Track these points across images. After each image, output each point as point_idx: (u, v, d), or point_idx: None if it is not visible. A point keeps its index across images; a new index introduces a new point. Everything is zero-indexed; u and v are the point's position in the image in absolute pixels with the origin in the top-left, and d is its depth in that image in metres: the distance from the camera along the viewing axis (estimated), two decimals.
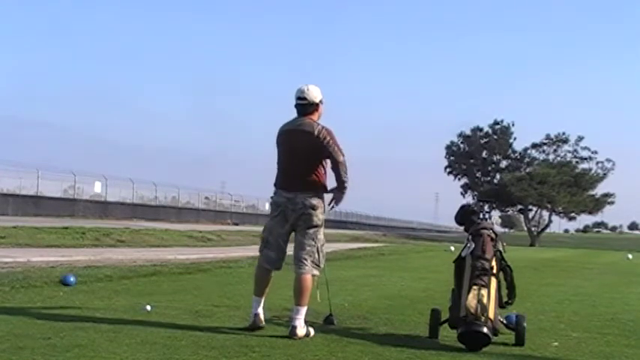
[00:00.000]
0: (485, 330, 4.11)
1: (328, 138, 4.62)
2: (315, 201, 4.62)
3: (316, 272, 4.68)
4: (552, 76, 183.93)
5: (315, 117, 4.72)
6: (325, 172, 4.77)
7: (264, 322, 4.62)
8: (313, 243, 4.65)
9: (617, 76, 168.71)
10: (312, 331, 4.48)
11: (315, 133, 4.59)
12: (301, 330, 4.39)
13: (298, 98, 4.69)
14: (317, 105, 4.71)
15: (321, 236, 4.71)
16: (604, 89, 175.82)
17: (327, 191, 4.78)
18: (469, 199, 57.33)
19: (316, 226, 4.66)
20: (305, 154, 4.63)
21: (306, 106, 4.68)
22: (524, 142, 60.86)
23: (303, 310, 4.49)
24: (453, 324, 4.32)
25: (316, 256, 4.66)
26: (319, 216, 4.65)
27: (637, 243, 58.01)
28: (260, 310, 4.64)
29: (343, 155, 4.75)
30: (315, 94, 4.69)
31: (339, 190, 4.79)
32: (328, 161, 4.74)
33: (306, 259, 4.64)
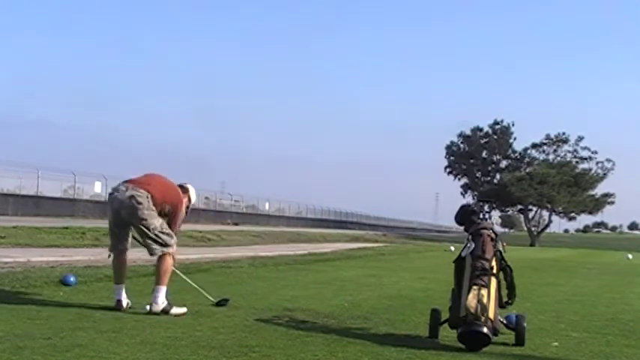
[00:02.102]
0: (485, 330, 4.11)
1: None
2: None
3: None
4: (553, 76, 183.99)
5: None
6: None
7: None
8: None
9: (617, 76, 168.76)
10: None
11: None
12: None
13: None
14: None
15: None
16: (604, 89, 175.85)
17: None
18: (469, 199, 57.40)
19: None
20: None
21: None
22: (524, 142, 61.01)
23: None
24: (453, 324, 4.31)
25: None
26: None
27: (637, 243, 58.05)
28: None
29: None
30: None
31: None
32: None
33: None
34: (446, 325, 4.42)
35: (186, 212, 5.71)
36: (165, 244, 5.29)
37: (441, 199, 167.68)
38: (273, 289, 6.96)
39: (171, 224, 5.42)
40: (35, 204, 29.28)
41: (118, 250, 5.62)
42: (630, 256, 24.72)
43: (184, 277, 6.03)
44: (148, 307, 5.10)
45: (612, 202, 56.82)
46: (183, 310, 5.12)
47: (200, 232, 22.69)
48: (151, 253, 5.35)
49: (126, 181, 5.46)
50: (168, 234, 5.31)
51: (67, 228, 17.27)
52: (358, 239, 31.92)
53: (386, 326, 5.00)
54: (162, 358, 3.55)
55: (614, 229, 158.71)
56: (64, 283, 6.60)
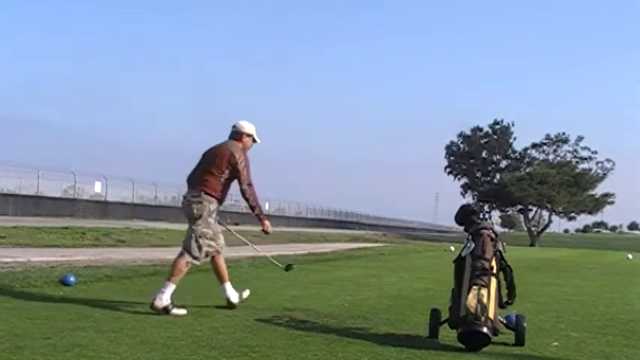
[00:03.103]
0: (485, 330, 4.11)
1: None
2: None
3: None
4: (552, 76, 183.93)
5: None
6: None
7: None
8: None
9: (617, 76, 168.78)
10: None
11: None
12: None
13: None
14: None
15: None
16: (604, 89, 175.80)
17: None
18: (469, 199, 57.37)
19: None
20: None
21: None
22: (524, 142, 60.95)
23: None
24: (453, 324, 4.31)
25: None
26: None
27: (637, 243, 58.07)
28: None
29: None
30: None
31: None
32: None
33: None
34: (446, 325, 4.42)
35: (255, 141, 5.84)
36: (189, 252, 5.37)
37: (441, 199, 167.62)
38: (273, 289, 6.97)
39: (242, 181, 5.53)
40: (35, 204, 29.29)
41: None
42: (630, 256, 24.72)
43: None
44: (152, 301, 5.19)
45: (612, 202, 56.83)
46: (183, 311, 5.13)
47: None
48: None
49: (188, 185, 5.61)
50: (200, 246, 5.37)
51: (67, 228, 17.28)
52: (358, 239, 31.93)
53: (386, 326, 5.00)
54: (162, 358, 3.55)
55: (614, 229, 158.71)
56: (64, 283, 6.60)
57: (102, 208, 33.79)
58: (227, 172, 5.48)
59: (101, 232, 17.04)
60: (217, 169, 5.47)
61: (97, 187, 35.43)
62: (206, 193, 5.40)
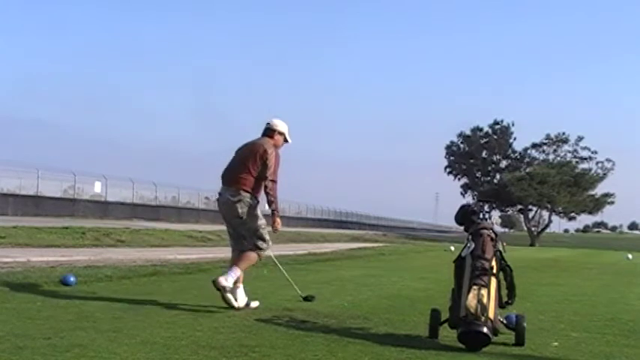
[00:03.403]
0: (485, 330, 4.11)
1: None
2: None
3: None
4: (552, 76, 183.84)
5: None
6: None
7: None
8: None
9: (617, 76, 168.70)
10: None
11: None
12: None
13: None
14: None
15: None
16: (604, 89, 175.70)
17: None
18: (469, 199, 57.39)
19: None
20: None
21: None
22: (524, 142, 61.03)
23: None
24: (453, 324, 4.31)
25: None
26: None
27: (637, 243, 58.03)
28: None
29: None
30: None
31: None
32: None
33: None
34: (446, 325, 4.43)
35: (287, 141, 5.94)
36: (257, 247, 5.64)
37: (441, 199, 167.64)
38: (273, 289, 6.96)
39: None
40: (35, 204, 29.27)
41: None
42: (630, 256, 24.72)
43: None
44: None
45: (612, 202, 56.87)
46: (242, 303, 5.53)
47: (200, 232, 22.71)
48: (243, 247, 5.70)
49: (224, 183, 5.73)
50: (262, 239, 5.64)
51: (67, 228, 17.28)
52: (358, 239, 31.94)
53: (386, 326, 5.00)
54: (162, 358, 3.55)
55: (614, 229, 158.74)
56: (64, 283, 6.60)
57: (102, 208, 33.78)
58: (260, 168, 5.58)
59: (101, 232, 17.04)
60: (252, 165, 5.57)
61: (97, 187, 35.41)
62: (244, 191, 5.54)
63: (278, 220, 5.66)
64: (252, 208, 5.57)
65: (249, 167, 5.57)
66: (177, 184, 43.69)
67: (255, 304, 5.63)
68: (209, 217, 42.29)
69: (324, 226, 51.84)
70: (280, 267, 6.54)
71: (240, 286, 5.59)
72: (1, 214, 23.78)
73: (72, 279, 6.71)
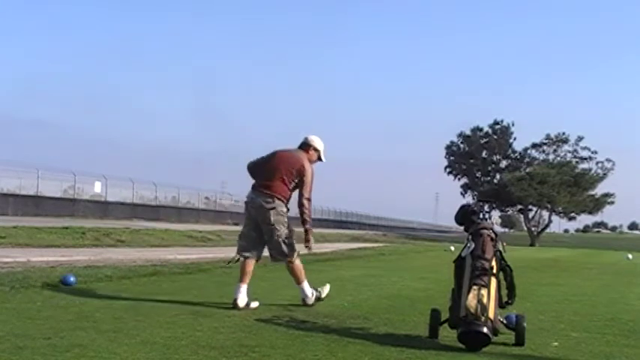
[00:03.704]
0: (485, 330, 4.10)
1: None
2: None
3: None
4: (552, 76, 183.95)
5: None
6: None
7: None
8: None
9: (617, 76, 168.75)
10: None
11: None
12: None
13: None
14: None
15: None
16: (604, 89, 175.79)
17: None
18: (469, 199, 57.37)
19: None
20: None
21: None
22: (524, 142, 61.01)
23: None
24: (453, 324, 4.31)
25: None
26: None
27: (637, 243, 58.01)
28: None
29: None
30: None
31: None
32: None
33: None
34: (446, 325, 4.42)
35: (321, 159, 6.07)
36: (284, 254, 5.78)
37: (441, 199, 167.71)
38: (273, 289, 6.96)
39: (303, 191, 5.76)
40: (35, 204, 29.28)
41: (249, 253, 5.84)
42: (630, 256, 24.70)
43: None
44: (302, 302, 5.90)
45: (612, 202, 56.83)
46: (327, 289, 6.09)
47: (200, 232, 22.71)
48: (273, 259, 5.88)
49: (258, 187, 5.82)
50: (289, 245, 5.78)
51: (67, 228, 17.28)
52: (358, 239, 31.92)
53: (386, 326, 5.00)
54: (162, 358, 3.55)
55: (614, 229, 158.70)
56: (64, 283, 6.59)
57: (102, 208, 33.78)
58: (295, 181, 5.75)
59: (101, 232, 17.04)
60: (288, 176, 5.72)
61: (97, 187, 35.42)
62: (279, 199, 5.68)
63: (311, 238, 5.84)
64: (283, 216, 5.72)
65: (283, 177, 5.71)
66: (177, 184, 43.75)
67: (255, 304, 5.63)
68: (209, 217, 42.33)
69: (324, 226, 51.81)
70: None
71: (245, 285, 5.64)
72: (1, 214, 23.78)
73: (72, 279, 6.70)
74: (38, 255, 10.29)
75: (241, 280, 5.66)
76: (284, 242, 5.71)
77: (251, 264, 5.77)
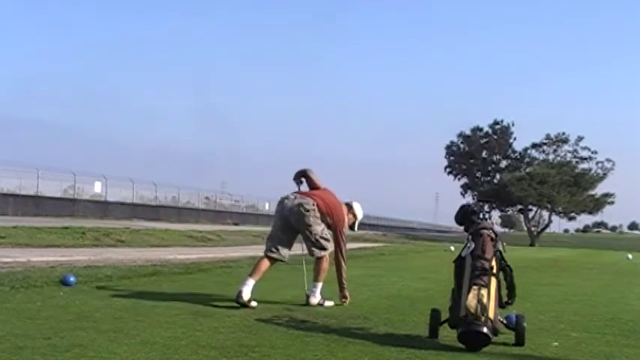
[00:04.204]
0: (485, 330, 4.10)
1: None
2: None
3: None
4: (552, 76, 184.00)
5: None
6: None
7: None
8: None
9: (617, 76, 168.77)
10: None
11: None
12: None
13: None
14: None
15: None
16: (604, 89, 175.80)
17: None
18: (469, 199, 57.39)
19: None
20: None
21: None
22: (524, 142, 61.00)
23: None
24: (453, 324, 4.31)
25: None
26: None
27: (637, 243, 58.03)
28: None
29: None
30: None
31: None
32: None
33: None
34: (446, 325, 4.42)
35: (353, 227, 6.41)
36: (323, 248, 6.01)
37: (441, 199, 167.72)
38: (273, 289, 6.95)
39: (337, 237, 6.14)
40: (35, 204, 29.29)
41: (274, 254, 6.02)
42: (630, 256, 24.70)
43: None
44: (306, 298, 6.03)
45: (612, 202, 56.84)
46: (332, 303, 6.03)
47: (200, 232, 22.71)
48: (311, 254, 6.06)
49: (297, 192, 6.13)
50: (326, 239, 6.01)
51: (67, 228, 17.27)
52: (358, 239, 31.88)
53: (386, 326, 5.00)
54: (162, 358, 3.55)
55: (614, 229, 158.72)
56: (64, 283, 6.59)
57: (102, 208, 33.79)
58: (328, 218, 6.05)
59: (101, 232, 17.03)
60: (325, 205, 6.03)
61: (97, 187, 35.43)
62: (316, 206, 5.95)
63: (346, 293, 6.41)
64: (315, 216, 5.94)
65: (323, 199, 6.03)
66: (177, 184, 43.79)
67: (254, 303, 5.64)
68: (209, 217, 42.33)
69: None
70: (304, 268, 6.51)
71: (253, 282, 5.74)
72: (1, 214, 23.79)
73: (72, 279, 6.70)
74: (38, 255, 10.29)
75: (251, 276, 5.77)
76: (316, 240, 5.95)
77: (267, 264, 5.91)
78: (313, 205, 5.90)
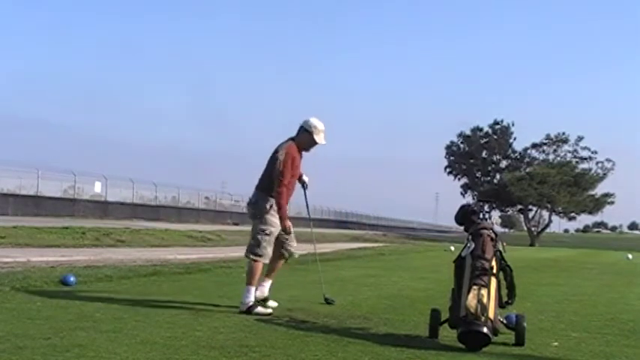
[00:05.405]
0: (485, 330, 4.11)
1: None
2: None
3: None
4: (552, 76, 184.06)
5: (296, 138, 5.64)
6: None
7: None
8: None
9: (618, 76, 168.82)
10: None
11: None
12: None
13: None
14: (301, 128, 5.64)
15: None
16: (604, 89, 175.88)
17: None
18: (469, 199, 57.36)
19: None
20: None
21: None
22: (524, 142, 60.99)
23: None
24: (453, 324, 4.31)
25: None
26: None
27: (637, 243, 58.01)
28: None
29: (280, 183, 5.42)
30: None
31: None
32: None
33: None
34: (446, 325, 4.43)
35: (308, 149, 5.68)
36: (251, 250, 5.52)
37: (441, 199, 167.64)
38: (273, 289, 6.95)
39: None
40: (35, 204, 29.27)
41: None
42: (630, 256, 24.69)
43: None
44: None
45: (612, 202, 56.82)
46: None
47: (200, 232, 22.70)
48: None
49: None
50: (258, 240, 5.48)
51: (67, 228, 17.27)
52: (358, 239, 31.91)
53: (386, 326, 5.00)
54: (162, 358, 3.55)
55: (614, 229, 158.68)
56: (64, 283, 6.60)
57: (102, 208, 33.77)
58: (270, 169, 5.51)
59: (101, 232, 17.03)
60: (268, 168, 5.56)
61: (97, 187, 35.41)
62: (261, 191, 5.56)
63: (287, 223, 5.55)
64: (261, 210, 5.51)
65: (266, 169, 5.58)
66: (177, 184, 43.75)
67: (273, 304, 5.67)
68: (209, 217, 42.33)
69: (324, 226, 51.83)
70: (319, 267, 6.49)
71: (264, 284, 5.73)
72: (1, 214, 23.77)
73: (72, 279, 6.71)
74: (38, 255, 10.29)
75: (266, 275, 5.76)
76: (252, 237, 5.53)
77: (274, 261, 5.70)
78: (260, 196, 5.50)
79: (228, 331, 4.42)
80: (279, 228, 5.51)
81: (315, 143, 5.63)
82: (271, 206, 5.46)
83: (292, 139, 5.63)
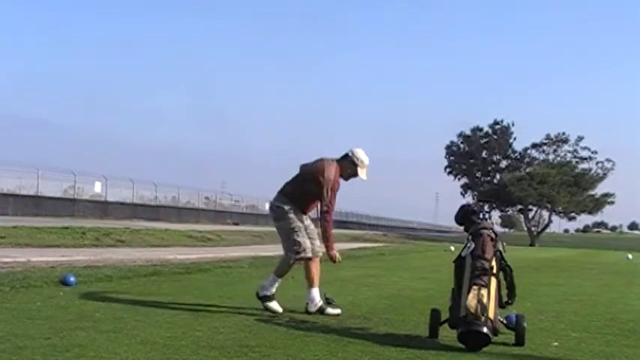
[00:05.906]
0: (485, 330, 4.11)
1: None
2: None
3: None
4: (552, 76, 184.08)
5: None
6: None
7: None
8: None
9: (618, 76, 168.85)
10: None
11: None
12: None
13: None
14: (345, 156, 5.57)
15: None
16: (604, 89, 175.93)
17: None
18: (469, 199, 57.34)
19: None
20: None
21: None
22: (524, 142, 60.91)
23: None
24: (453, 324, 4.31)
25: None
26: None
27: (637, 243, 57.99)
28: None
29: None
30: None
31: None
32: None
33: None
34: (446, 325, 4.42)
35: (347, 178, 5.61)
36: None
37: (441, 199, 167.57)
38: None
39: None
40: (35, 204, 29.25)
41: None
42: (630, 256, 24.69)
43: None
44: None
45: (612, 202, 56.78)
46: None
47: (200, 232, 22.69)
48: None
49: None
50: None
51: (67, 228, 17.26)
52: (358, 239, 31.90)
53: (386, 326, 5.00)
54: (162, 358, 3.55)
55: (614, 229, 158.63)
56: (64, 283, 6.60)
57: (102, 208, 33.76)
58: (311, 186, 5.47)
59: (101, 232, 17.03)
60: (302, 181, 5.55)
61: (97, 187, 35.38)
62: (284, 196, 5.61)
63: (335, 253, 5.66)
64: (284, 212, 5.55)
65: (298, 181, 5.60)
66: (177, 184, 43.71)
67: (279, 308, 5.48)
68: (209, 217, 42.29)
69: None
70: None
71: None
72: (1, 214, 23.76)
73: (72, 279, 6.71)
74: (38, 255, 10.29)
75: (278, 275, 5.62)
76: (284, 240, 5.55)
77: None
78: (283, 202, 5.54)
79: (228, 331, 4.42)
80: (304, 225, 5.50)
81: (356, 176, 5.59)
82: (291, 208, 5.51)
83: (337, 160, 5.54)
